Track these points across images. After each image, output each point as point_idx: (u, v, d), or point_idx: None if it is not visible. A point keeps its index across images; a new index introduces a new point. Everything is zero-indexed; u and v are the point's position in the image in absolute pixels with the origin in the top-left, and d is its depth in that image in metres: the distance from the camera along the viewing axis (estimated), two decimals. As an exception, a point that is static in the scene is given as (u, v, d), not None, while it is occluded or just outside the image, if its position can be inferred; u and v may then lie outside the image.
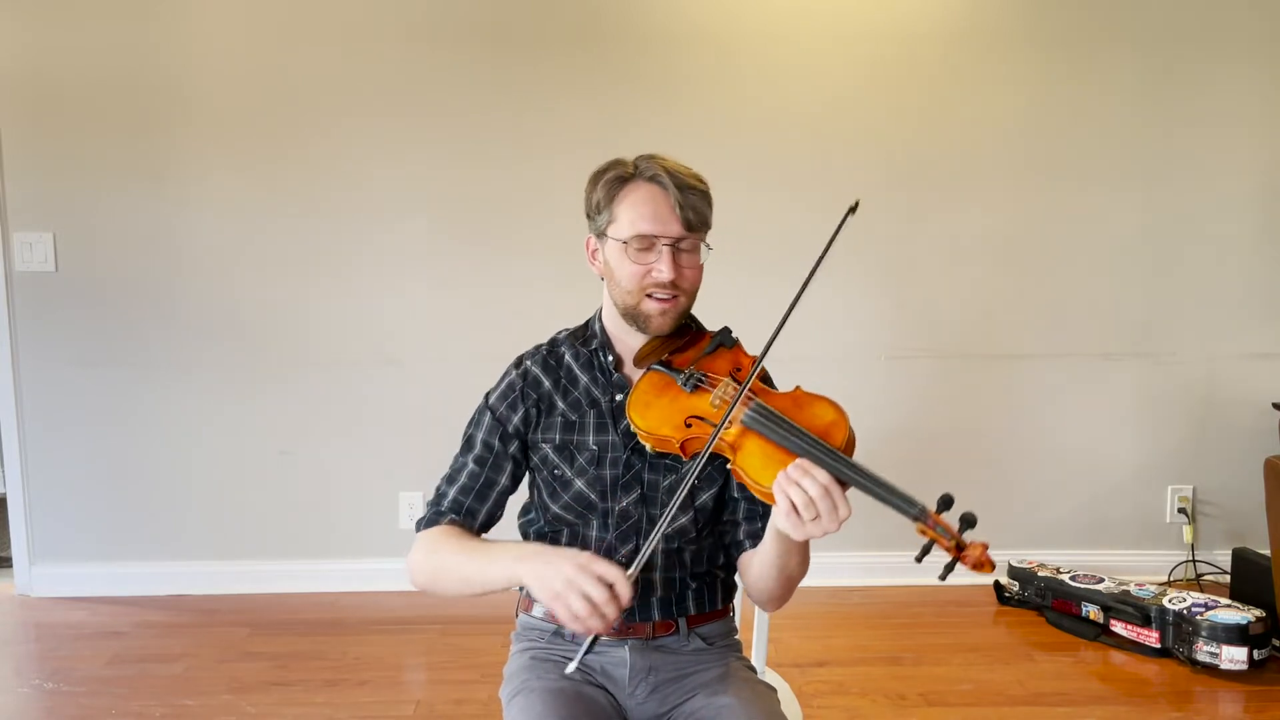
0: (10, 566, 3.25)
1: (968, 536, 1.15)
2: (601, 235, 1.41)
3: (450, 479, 1.46)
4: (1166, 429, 3.29)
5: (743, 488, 1.37)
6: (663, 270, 1.35)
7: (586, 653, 1.21)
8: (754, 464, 1.22)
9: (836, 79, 3.12)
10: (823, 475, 1.15)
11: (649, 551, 1.22)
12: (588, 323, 1.50)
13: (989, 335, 3.24)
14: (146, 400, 3.15)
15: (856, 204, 1.32)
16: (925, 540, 1.16)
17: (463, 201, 3.12)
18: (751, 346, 1.45)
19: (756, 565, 1.36)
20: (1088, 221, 3.20)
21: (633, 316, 1.39)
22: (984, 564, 1.14)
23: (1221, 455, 3.28)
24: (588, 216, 1.44)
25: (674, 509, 1.23)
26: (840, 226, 1.30)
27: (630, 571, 1.20)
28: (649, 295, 1.36)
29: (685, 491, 1.24)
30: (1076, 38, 3.13)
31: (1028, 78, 3.15)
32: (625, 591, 1.17)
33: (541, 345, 1.50)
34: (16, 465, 3.16)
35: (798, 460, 1.17)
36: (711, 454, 1.28)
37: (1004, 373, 3.25)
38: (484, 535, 1.47)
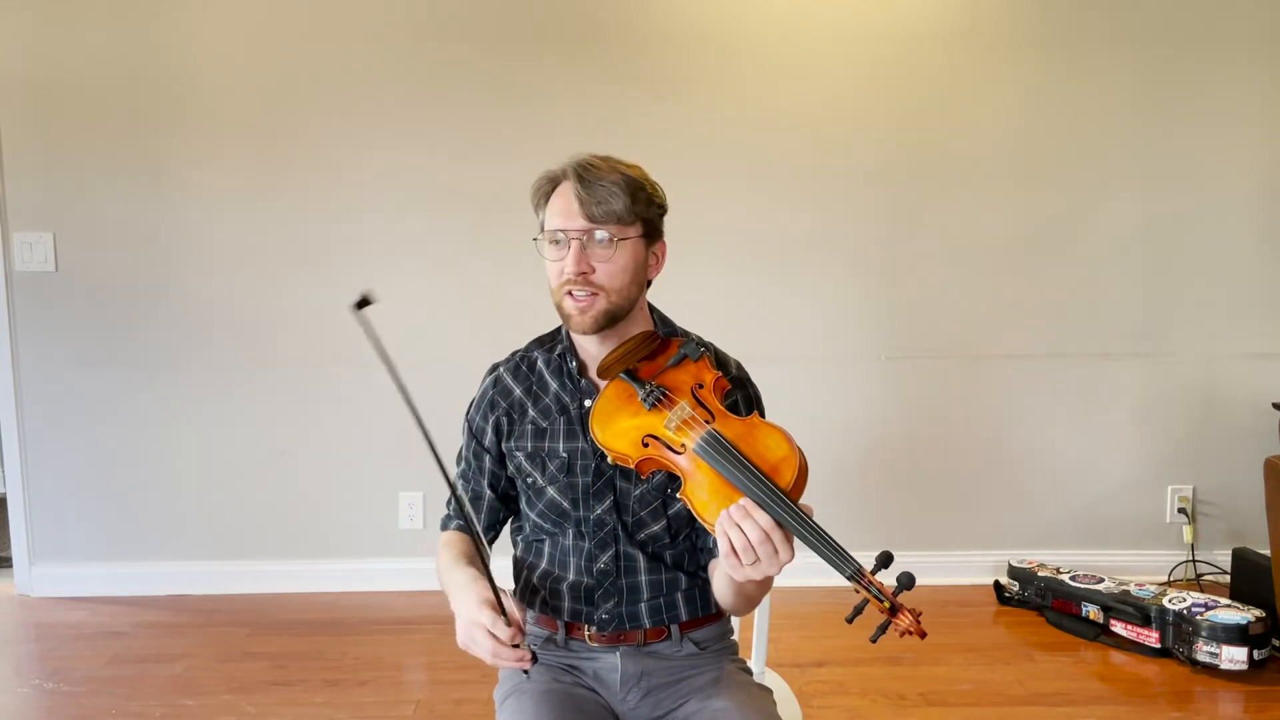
0: (10, 566, 3.25)
1: (903, 598, 1.13)
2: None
3: (453, 486, 1.47)
4: (1166, 429, 3.29)
5: None
6: (568, 264, 1.31)
7: (527, 674, 1.25)
8: (699, 496, 1.20)
9: (836, 79, 3.12)
10: (764, 519, 1.13)
11: (501, 586, 1.23)
12: (558, 328, 1.47)
13: (989, 335, 3.24)
14: (146, 400, 3.15)
15: (364, 300, 1.30)
16: (859, 599, 1.15)
17: (463, 201, 3.12)
18: (734, 348, 1.45)
19: (717, 578, 1.36)
20: (1088, 221, 3.20)
21: (561, 317, 1.37)
22: (913, 632, 1.13)
23: (1221, 455, 3.28)
24: None
25: (486, 544, 1.26)
26: (368, 331, 1.27)
27: (507, 606, 1.20)
28: (569, 294, 1.33)
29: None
30: (1076, 38, 3.13)
31: (1028, 78, 3.14)
32: (502, 633, 1.18)
33: (518, 351, 1.49)
34: (16, 465, 3.16)
35: (741, 501, 1.15)
36: (668, 474, 1.29)
37: (1004, 373, 3.25)
38: (492, 535, 1.50)
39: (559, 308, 1.36)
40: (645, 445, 1.26)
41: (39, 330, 3.11)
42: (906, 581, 1.14)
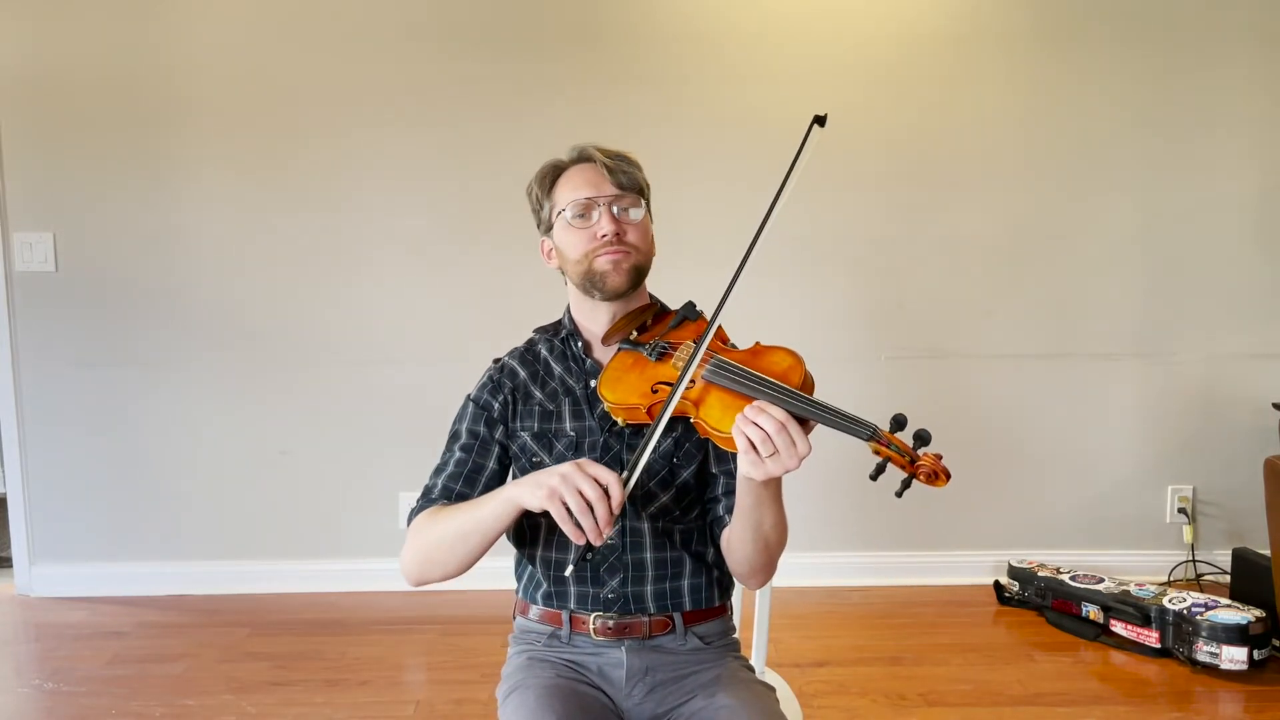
0: (10, 566, 3.25)
1: (921, 451, 1.16)
2: (550, 228, 1.46)
3: (438, 471, 1.48)
4: (1166, 429, 3.29)
5: (720, 459, 1.41)
6: (604, 225, 1.39)
7: (580, 560, 1.22)
8: (714, 414, 1.24)
9: (837, 79, 3.12)
10: (779, 412, 1.17)
11: (642, 463, 1.22)
12: (559, 319, 1.53)
13: (989, 335, 3.24)
14: (147, 400, 3.15)
15: (824, 116, 1.30)
16: (879, 459, 1.18)
17: (462, 201, 3.12)
18: (740, 342, 1.46)
19: (733, 532, 1.37)
20: (1088, 221, 3.20)
21: (590, 283, 1.41)
22: (939, 474, 1.15)
23: (1221, 455, 3.28)
24: (536, 222, 1.49)
25: (657, 432, 1.24)
26: (805, 142, 1.29)
27: (624, 475, 1.21)
28: (599, 255, 1.39)
29: (650, 453, 1.24)
30: (1077, 38, 3.13)
31: (1028, 78, 3.15)
32: (617, 492, 1.18)
33: (519, 345, 1.53)
34: (16, 465, 3.16)
35: (754, 401, 1.19)
36: (677, 416, 1.28)
37: (1004, 373, 3.25)
38: None
39: (588, 274, 1.41)
40: (655, 392, 1.30)
41: (39, 330, 3.11)
42: (925, 436, 1.17)
